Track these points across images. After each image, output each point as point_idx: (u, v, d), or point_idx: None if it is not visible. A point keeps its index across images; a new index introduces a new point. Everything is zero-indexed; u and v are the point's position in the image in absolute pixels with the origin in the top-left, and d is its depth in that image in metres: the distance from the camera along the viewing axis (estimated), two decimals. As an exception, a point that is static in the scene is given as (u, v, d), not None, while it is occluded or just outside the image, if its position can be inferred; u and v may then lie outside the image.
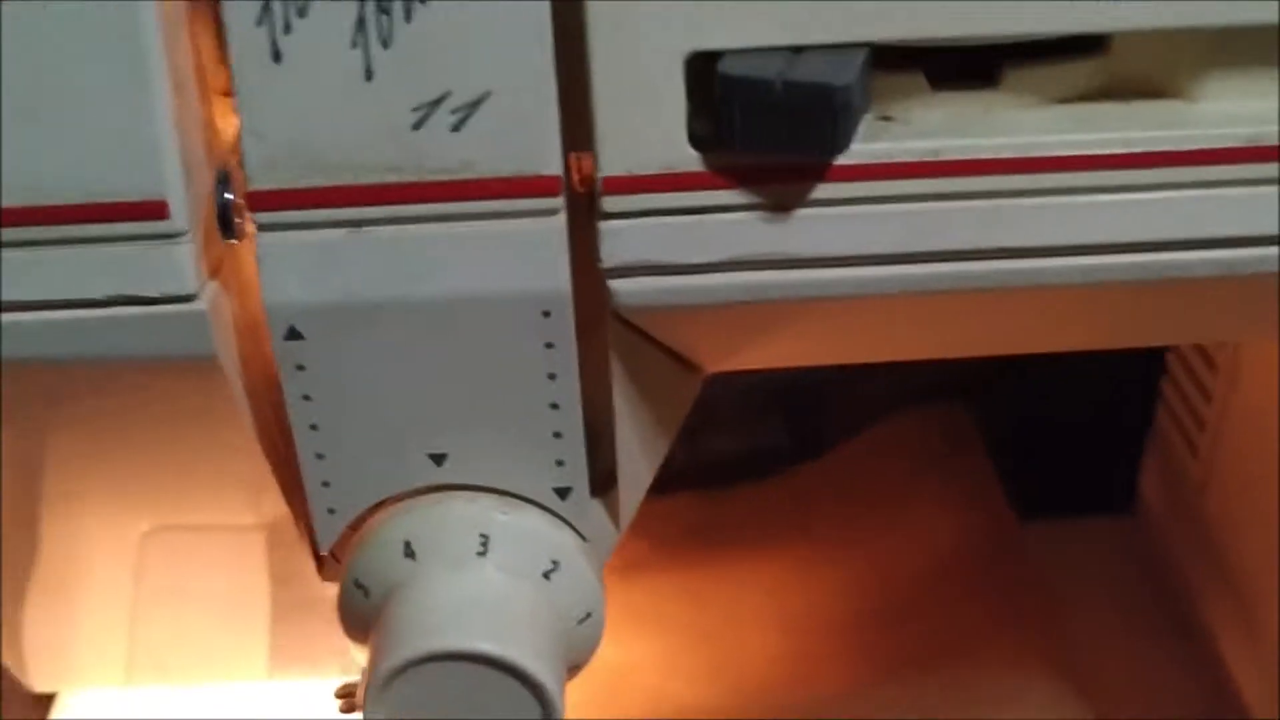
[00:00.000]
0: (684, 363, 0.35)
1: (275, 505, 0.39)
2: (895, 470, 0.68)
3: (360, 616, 0.33)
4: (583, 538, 0.34)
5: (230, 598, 0.46)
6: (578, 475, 0.32)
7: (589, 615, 0.33)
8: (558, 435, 0.32)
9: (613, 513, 0.36)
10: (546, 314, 0.30)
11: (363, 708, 0.31)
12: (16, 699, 0.60)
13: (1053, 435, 0.69)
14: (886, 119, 0.30)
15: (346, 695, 0.45)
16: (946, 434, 0.69)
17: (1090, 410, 0.68)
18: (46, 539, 0.43)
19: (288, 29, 0.27)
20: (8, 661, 0.46)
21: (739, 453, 0.71)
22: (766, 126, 0.28)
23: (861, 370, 0.72)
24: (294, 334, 0.30)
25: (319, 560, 0.39)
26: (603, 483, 0.35)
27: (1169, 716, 0.58)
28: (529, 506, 0.32)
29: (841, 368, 0.73)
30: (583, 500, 0.33)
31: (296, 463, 0.36)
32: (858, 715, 0.58)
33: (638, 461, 0.35)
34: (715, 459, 0.71)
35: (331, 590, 0.44)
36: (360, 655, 0.34)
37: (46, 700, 0.60)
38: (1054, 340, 0.36)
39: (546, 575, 0.32)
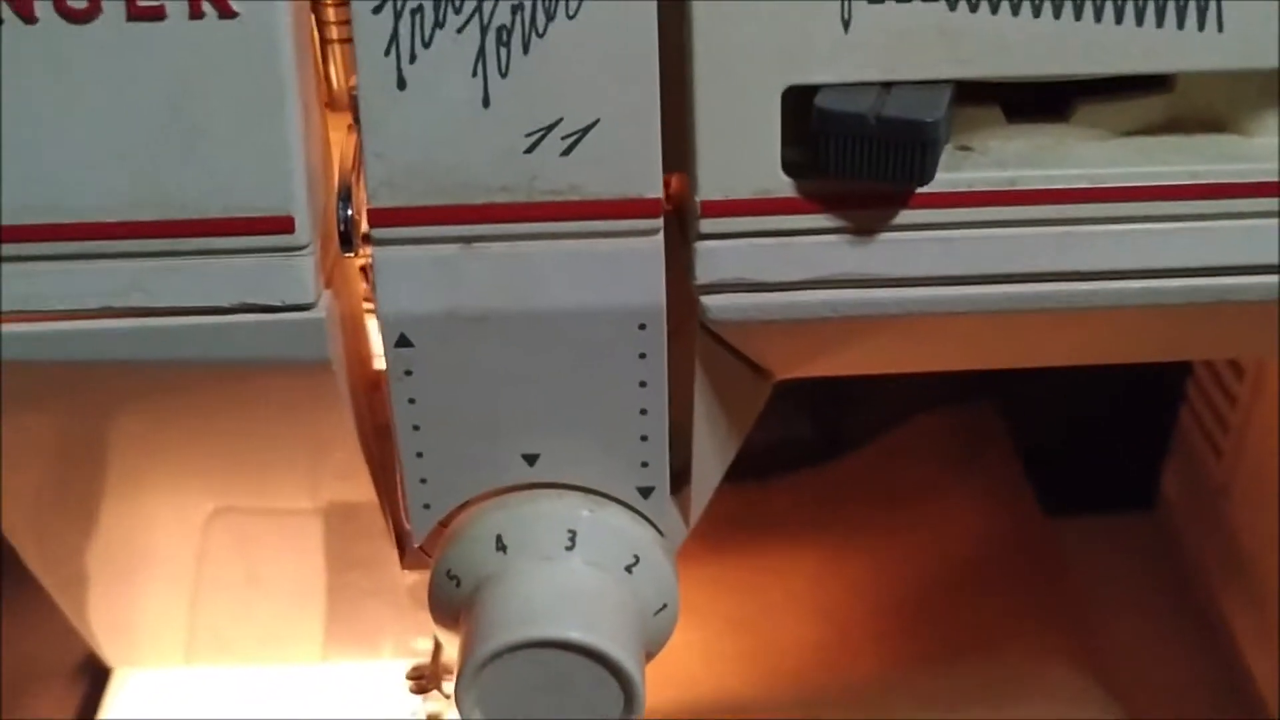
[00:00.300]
0: (759, 370, 0.37)
1: (342, 491, 0.41)
2: (925, 467, 0.70)
3: (450, 605, 0.35)
4: (661, 534, 0.35)
5: (290, 582, 0.48)
6: (660, 476, 0.34)
7: (665, 606, 0.35)
8: (644, 438, 0.34)
9: (683, 510, 0.38)
10: (642, 326, 0.32)
11: (455, 691, 0.33)
12: (61, 677, 0.62)
13: (1077, 434, 0.71)
14: (965, 149, 0.32)
15: (418, 677, 0.47)
16: (975, 432, 0.71)
17: (1115, 410, 0.70)
18: (115, 519, 0.45)
19: (413, 58, 0.29)
20: (85, 636, 0.48)
21: (766, 450, 0.73)
22: (859, 157, 0.29)
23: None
24: (404, 341, 0.32)
25: (401, 550, 0.41)
26: (674, 482, 0.37)
27: (1187, 711, 0.60)
28: (613, 504, 0.34)
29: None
30: (663, 499, 0.35)
31: (387, 459, 0.38)
32: (888, 703, 0.61)
33: (710, 462, 0.37)
34: (742, 455, 0.73)
35: (390, 580, 0.46)
36: (449, 644, 0.36)
37: (93, 675, 0.62)
38: (1108, 353, 0.38)
39: (629, 569, 0.34)
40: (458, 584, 0.34)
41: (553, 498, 0.34)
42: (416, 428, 0.33)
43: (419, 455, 0.34)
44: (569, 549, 0.34)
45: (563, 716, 0.34)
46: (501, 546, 0.34)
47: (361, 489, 0.38)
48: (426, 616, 0.46)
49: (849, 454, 0.73)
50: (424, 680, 0.45)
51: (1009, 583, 0.64)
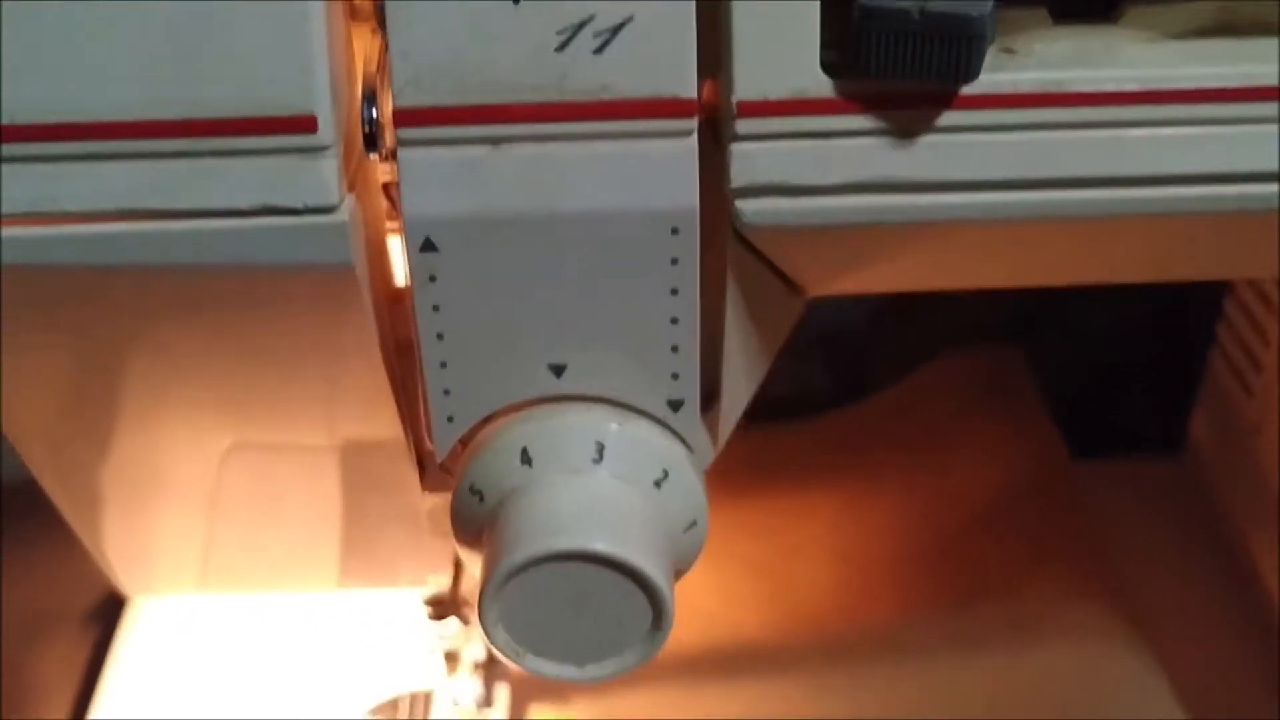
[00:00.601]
0: (791, 285, 0.36)
1: (363, 413, 0.40)
2: (947, 409, 0.69)
3: (474, 522, 0.34)
4: (690, 450, 0.35)
5: (307, 509, 0.47)
6: (690, 389, 0.34)
7: (694, 524, 0.34)
8: (675, 349, 0.33)
9: (712, 431, 0.37)
10: (675, 231, 0.31)
11: (478, 608, 0.33)
12: (74, 621, 0.62)
13: (1103, 376, 0.70)
14: (1009, 51, 0.31)
15: (437, 602, 0.46)
16: (998, 374, 0.70)
17: (1142, 353, 0.69)
18: (131, 443, 0.44)
19: (440, -48, 0.28)
20: (101, 563, 0.48)
21: (782, 397, 0.72)
22: (902, 55, 0.28)
23: (904, 315, 0.73)
24: (429, 245, 0.31)
25: (422, 471, 0.40)
26: (702, 403, 0.36)
27: (1216, 652, 0.59)
28: (642, 417, 0.34)
29: (883, 314, 0.74)
30: (693, 413, 0.34)
31: (409, 377, 0.37)
32: (908, 644, 0.60)
33: (740, 381, 0.37)
34: (759, 404, 0.72)
35: (408, 506, 0.45)
36: (471, 564, 0.36)
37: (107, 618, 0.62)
38: (1152, 268, 0.37)
39: (657, 484, 0.33)
40: (481, 499, 0.34)
41: (580, 410, 0.33)
42: (440, 336, 0.32)
43: (442, 365, 0.33)
44: (596, 462, 0.33)
45: (589, 634, 0.33)
46: (527, 459, 0.33)
47: (382, 410, 0.37)
48: (445, 544, 0.45)
49: (870, 398, 0.72)
50: (442, 606, 0.44)
51: (1032, 524, 0.63)
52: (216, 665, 0.62)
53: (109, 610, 0.64)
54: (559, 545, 0.31)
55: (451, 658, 0.56)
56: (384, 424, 0.38)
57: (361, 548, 0.47)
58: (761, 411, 0.72)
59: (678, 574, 0.36)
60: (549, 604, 0.33)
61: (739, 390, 0.37)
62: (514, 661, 0.34)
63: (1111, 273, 0.37)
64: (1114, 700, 0.56)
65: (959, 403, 0.69)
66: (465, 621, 0.49)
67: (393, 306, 0.37)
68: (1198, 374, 0.68)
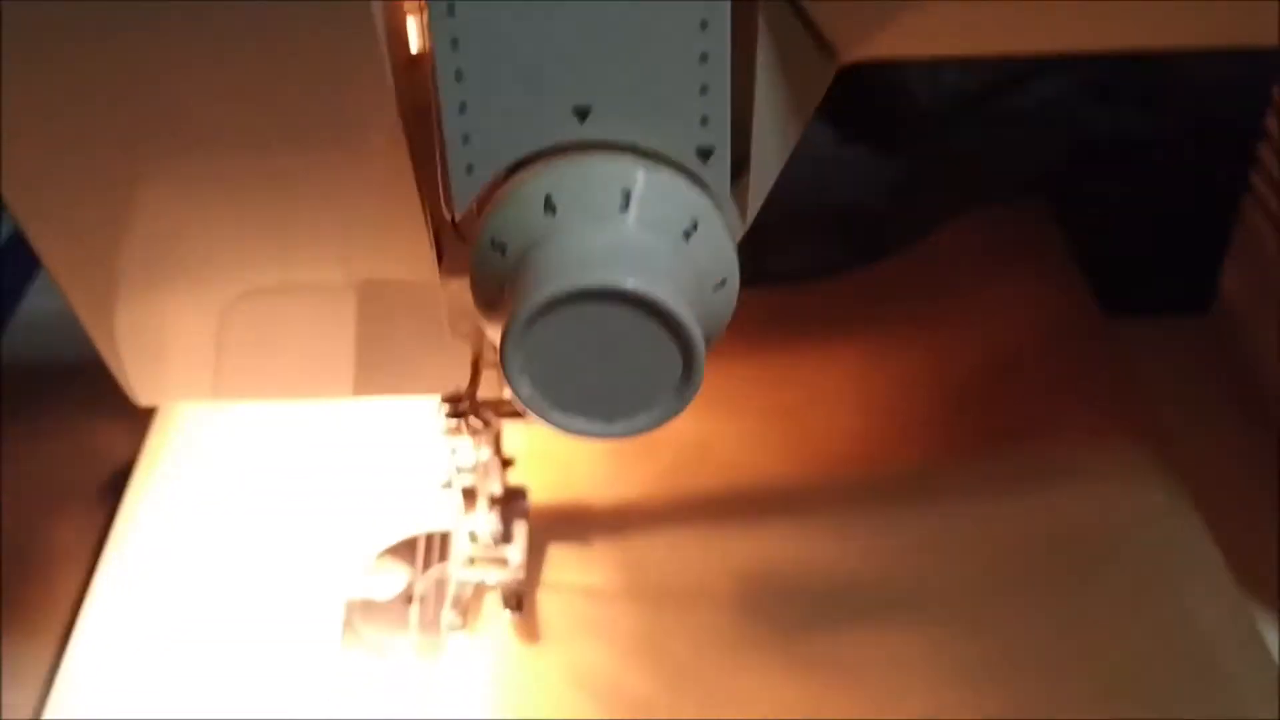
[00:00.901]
0: (823, 47, 0.34)
1: (378, 204, 0.39)
2: (973, 263, 0.68)
3: (495, 279, 0.33)
4: (720, 205, 0.33)
5: (323, 311, 0.46)
6: (720, 135, 0.32)
7: (724, 282, 0.33)
8: (704, 90, 0.31)
9: (740, 202, 0.35)
10: (705, -42, 0.29)
11: (500, 357, 0.32)
12: (86, 496, 0.61)
13: (1133, 232, 0.69)
14: None
15: (454, 399, 0.45)
16: (1025, 228, 0.69)
17: (1172, 208, 0.68)
18: (145, 233, 0.42)
19: None
20: (115, 372, 0.46)
21: (801, 271, 0.71)
22: None
23: (925, 188, 0.72)
24: (447, -30, 0.30)
25: (440, 255, 0.39)
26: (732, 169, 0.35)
27: (1250, 499, 0.58)
28: (670, 167, 0.32)
29: (903, 187, 0.72)
30: (723, 163, 0.32)
31: (426, 146, 0.36)
32: (936, 487, 0.59)
33: (770, 147, 0.35)
34: (776, 274, 0.70)
35: (427, 308, 0.43)
36: (493, 333, 0.34)
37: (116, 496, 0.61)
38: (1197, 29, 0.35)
39: (686, 235, 0.32)
40: (503, 252, 0.32)
41: (606, 158, 0.32)
42: (459, 75, 0.31)
43: (462, 109, 0.32)
44: (623, 210, 0.31)
45: (617, 387, 0.32)
46: (551, 208, 0.32)
47: (399, 178, 0.36)
48: (464, 348, 0.44)
49: (891, 256, 0.71)
50: (460, 403, 0.43)
51: (1061, 369, 0.62)
52: (230, 495, 0.61)
53: (119, 485, 0.63)
54: (586, 282, 0.30)
55: (469, 494, 0.55)
56: (401, 199, 0.37)
57: (377, 352, 0.45)
58: (777, 277, 0.71)
59: (707, 339, 0.34)
60: (575, 353, 0.31)
61: (769, 158, 0.35)
62: (539, 416, 0.32)
63: (1154, 35, 0.35)
64: (1146, 540, 0.55)
65: (984, 257, 0.67)
66: (485, 423, 0.48)
67: (409, 73, 0.36)
68: (1229, 230, 0.67)
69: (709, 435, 0.63)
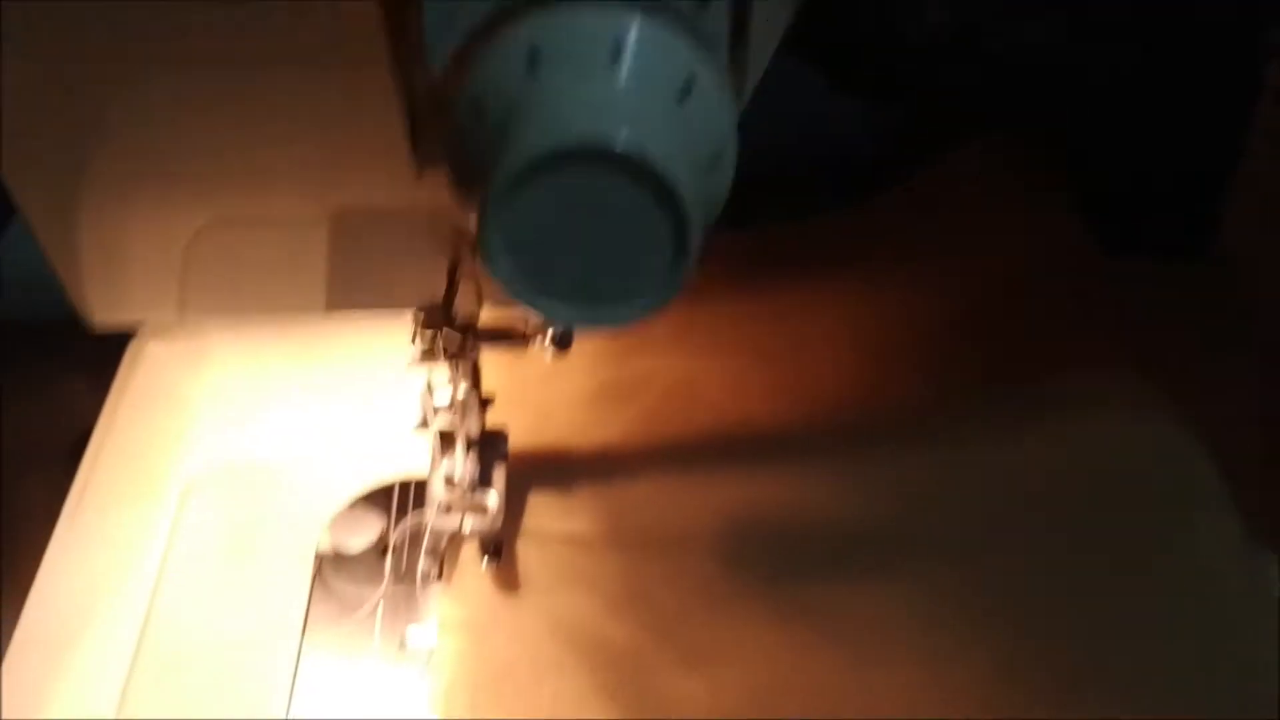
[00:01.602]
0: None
1: (351, 79, 0.36)
2: (969, 199, 0.66)
3: (475, 149, 0.30)
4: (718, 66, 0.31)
5: (292, 220, 0.43)
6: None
7: (719, 158, 0.30)
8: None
9: (738, 72, 0.33)
10: None
11: (477, 231, 0.29)
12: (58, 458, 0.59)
13: (1132, 172, 0.67)
14: None
15: (428, 310, 0.42)
16: (1020, 165, 0.66)
17: (1175, 151, 0.66)
18: (114, 165, 0.40)
19: None
20: (70, 290, 0.43)
21: (799, 186, 0.69)
22: None
23: (915, 134, 0.70)
24: None
25: (414, 141, 0.36)
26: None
27: (1250, 431, 0.56)
28: (668, 17, 0.29)
29: (890, 134, 0.70)
30: (722, 11, 0.30)
31: (402, 19, 0.33)
32: (932, 426, 0.57)
33: (767, 19, 0.33)
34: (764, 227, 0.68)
35: (399, 212, 0.41)
36: (472, 210, 0.32)
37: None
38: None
39: (681, 96, 0.29)
40: (483, 115, 0.30)
41: (595, 6, 0.29)
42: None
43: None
44: (613, 64, 0.29)
45: (604, 267, 0.29)
46: (534, 62, 0.29)
47: (373, 47, 0.33)
48: (440, 258, 0.41)
49: (880, 194, 0.68)
50: (434, 315, 0.41)
51: (1059, 306, 0.60)
52: (203, 432, 0.58)
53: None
54: (569, 141, 0.27)
55: (446, 438, 0.52)
56: (375, 72, 0.34)
57: (353, 262, 0.42)
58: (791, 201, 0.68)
59: (699, 220, 0.32)
60: (558, 228, 0.29)
61: (766, 32, 0.33)
62: (521, 300, 0.30)
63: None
64: (1152, 478, 0.53)
65: (980, 194, 0.65)
66: (461, 342, 0.45)
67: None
68: (1227, 175, 0.65)
69: (695, 376, 0.60)
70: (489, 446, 0.54)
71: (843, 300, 0.62)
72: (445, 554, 0.53)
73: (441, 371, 0.48)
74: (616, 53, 0.29)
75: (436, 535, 0.53)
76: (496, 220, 0.28)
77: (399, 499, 0.55)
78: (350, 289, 0.42)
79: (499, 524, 0.53)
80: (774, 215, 0.68)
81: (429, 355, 0.45)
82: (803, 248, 0.65)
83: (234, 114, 0.38)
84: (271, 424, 0.60)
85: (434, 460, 0.53)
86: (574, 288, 0.30)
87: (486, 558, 0.53)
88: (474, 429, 0.53)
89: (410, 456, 0.55)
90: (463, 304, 0.42)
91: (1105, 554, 0.51)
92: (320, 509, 0.55)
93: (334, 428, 0.59)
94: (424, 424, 0.52)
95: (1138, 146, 0.65)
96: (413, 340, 0.44)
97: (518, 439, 0.56)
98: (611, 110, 0.28)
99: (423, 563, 0.53)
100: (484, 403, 0.53)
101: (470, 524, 0.53)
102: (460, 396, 0.51)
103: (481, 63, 0.29)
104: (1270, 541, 0.51)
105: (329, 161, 0.39)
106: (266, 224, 0.41)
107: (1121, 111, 0.65)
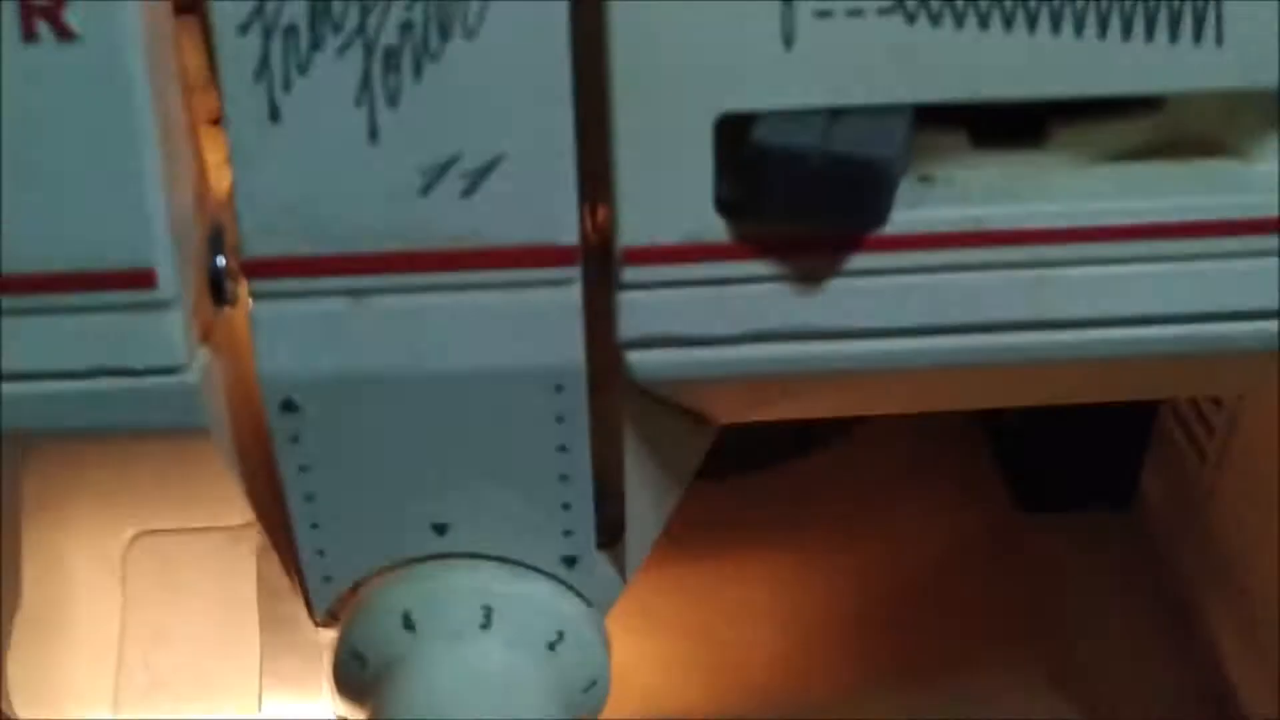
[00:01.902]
0: (698, 419, 0.33)
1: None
2: (893, 464, 0.67)
3: (358, 687, 0.31)
4: (588, 604, 0.32)
5: (220, 609, 0.45)
6: (585, 544, 0.31)
7: (594, 683, 0.32)
8: (566, 506, 0.30)
9: (618, 564, 0.34)
10: (559, 388, 0.28)
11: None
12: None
13: (1053, 429, 0.68)
14: (926, 179, 0.28)
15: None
16: (946, 427, 0.68)
17: (1092, 405, 0.67)
18: (29, 559, 0.41)
19: (287, 86, 0.25)
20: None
21: (729, 445, 0.69)
22: (802, 198, 0.26)
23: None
24: (290, 406, 0.28)
25: (310, 611, 0.37)
26: (609, 530, 0.34)
27: (1165, 716, 0.57)
28: (533, 575, 0.31)
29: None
30: (590, 567, 0.31)
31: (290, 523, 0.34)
32: (857, 717, 0.58)
33: (647, 516, 0.34)
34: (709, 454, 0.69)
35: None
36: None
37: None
38: (1081, 395, 0.34)
39: (551, 646, 0.31)
40: (363, 665, 0.31)
41: (466, 570, 0.31)
42: (310, 498, 0.30)
43: (314, 527, 0.30)
44: (484, 627, 0.30)
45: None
46: (409, 625, 0.30)
47: (266, 550, 0.34)
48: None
49: (814, 453, 0.70)
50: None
51: (980, 587, 0.61)
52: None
53: None
54: (441, 728, 0.28)
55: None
56: (269, 564, 0.35)
57: (278, 652, 0.43)
58: (707, 462, 0.70)
59: (581, 729, 0.33)
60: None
61: (646, 526, 0.34)
62: None
63: (1045, 399, 0.34)
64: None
65: (904, 459, 0.66)
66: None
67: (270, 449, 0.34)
68: (1151, 425, 0.66)
69: (629, 660, 0.61)
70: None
71: (770, 573, 0.63)
72: None
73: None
74: (487, 618, 0.30)
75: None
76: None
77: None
78: (284, 684, 0.43)
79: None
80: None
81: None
82: (732, 510, 0.66)
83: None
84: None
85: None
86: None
87: None
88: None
89: None
90: None
91: None
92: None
93: None
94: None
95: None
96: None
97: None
98: (482, 690, 0.29)
99: None
100: None
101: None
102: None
103: (359, 618, 0.30)
104: None
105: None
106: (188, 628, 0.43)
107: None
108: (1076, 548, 0.63)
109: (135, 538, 0.43)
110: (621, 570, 0.34)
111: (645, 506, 0.33)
